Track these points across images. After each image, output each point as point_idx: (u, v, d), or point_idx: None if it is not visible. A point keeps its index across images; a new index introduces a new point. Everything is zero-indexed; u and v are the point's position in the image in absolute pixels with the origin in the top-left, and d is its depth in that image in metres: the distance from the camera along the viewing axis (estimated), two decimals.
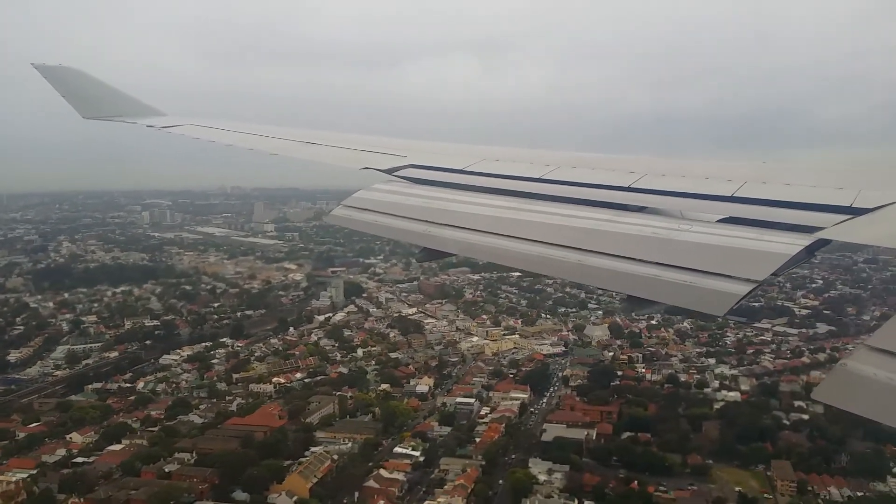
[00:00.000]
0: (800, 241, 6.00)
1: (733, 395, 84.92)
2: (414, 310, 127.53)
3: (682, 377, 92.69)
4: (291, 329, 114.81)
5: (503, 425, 75.32)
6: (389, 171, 11.18)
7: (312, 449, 69.60)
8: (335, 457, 67.63)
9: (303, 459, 66.64)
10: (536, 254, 7.21)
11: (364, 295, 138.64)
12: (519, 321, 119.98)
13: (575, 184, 8.99)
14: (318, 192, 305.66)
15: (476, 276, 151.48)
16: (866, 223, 6.31)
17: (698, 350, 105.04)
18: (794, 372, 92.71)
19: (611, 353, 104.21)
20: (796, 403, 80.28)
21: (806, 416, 76.75)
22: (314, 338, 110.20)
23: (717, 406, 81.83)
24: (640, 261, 6.38)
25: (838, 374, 4.44)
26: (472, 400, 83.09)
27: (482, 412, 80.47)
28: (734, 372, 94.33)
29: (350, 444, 71.09)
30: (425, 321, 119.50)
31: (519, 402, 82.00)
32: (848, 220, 6.39)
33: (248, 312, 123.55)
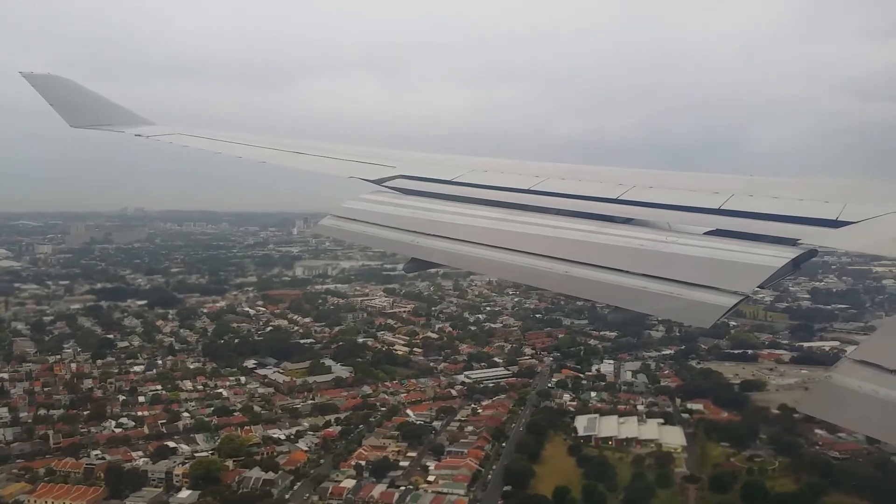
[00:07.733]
0: (786, 254, 6.02)
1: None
2: None
3: None
4: None
5: None
6: (378, 182, 11.14)
7: None
8: None
9: None
10: (524, 265, 7.20)
11: None
12: None
13: (563, 195, 9.00)
14: (229, 214, 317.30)
15: (169, 321, 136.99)
16: (850, 234, 6.36)
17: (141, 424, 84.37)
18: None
19: None
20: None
21: None
22: None
23: None
24: (628, 272, 6.38)
25: (823, 387, 4.42)
26: None
27: None
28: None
29: None
30: None
31: None
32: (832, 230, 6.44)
33: None
